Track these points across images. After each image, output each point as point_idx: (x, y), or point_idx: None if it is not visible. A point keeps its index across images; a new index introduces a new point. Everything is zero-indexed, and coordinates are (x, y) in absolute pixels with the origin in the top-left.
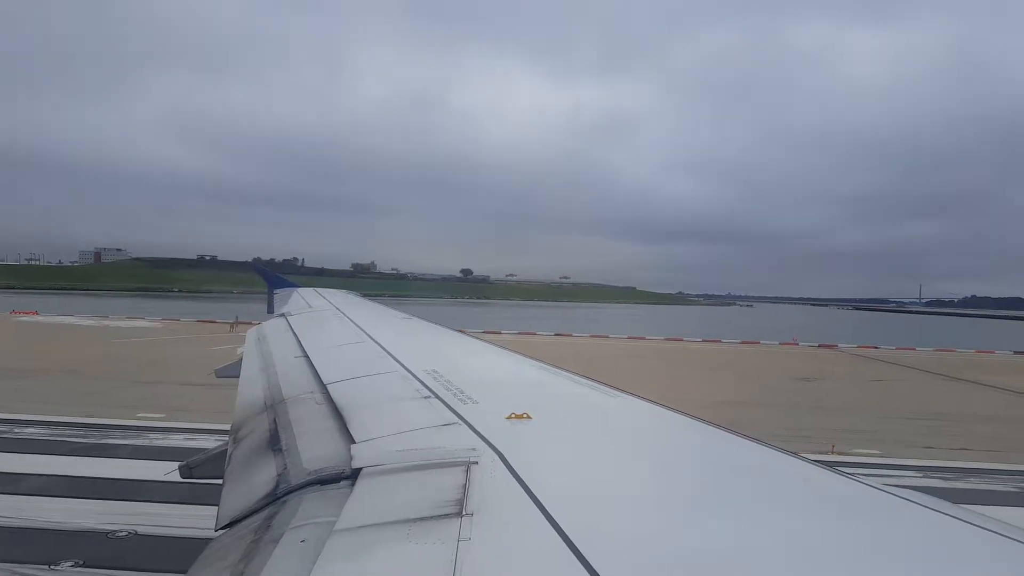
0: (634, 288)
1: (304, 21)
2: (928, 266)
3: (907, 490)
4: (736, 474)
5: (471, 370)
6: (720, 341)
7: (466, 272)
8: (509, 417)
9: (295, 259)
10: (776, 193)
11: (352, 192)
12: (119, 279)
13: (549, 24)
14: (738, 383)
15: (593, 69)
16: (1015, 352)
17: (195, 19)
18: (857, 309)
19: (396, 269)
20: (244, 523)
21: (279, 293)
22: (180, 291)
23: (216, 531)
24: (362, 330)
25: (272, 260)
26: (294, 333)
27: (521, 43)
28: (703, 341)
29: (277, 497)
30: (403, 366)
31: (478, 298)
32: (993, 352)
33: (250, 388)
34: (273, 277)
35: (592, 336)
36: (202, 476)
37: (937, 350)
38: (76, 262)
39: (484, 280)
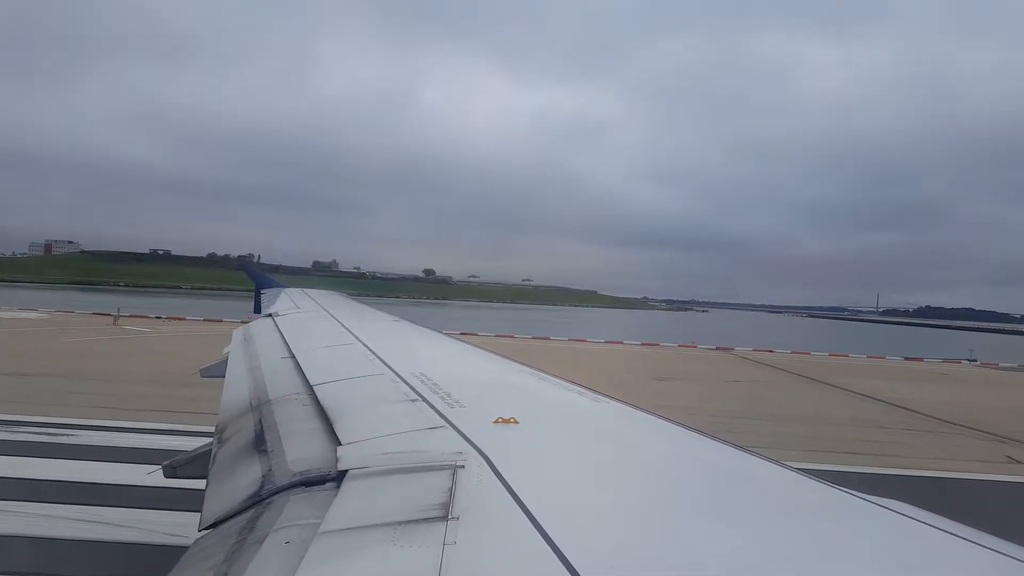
0: (595, 292)
1: (266, 13)
2: (888, 277)
3: (893, 501)
4: (720, 480)
5: (459, 374)
6: (622, 343)
7: (428, 272)
8: (496, 421)
9: (251, 255)
10: (743, 201)
11: (315, 189)
12: (64, 272)
13: (516, 27)
14: (588, 381)
15: (560, 74)
16: (906, 358)
17: (151, 5)
18: (811, 316)
19: (358, 268)
20: (228, 524)
21: (266, 293)
22: (125, 285)
23: (200, 531)
24: (350, 332)
25: (227, 256)
26: (281, 333)
27: (488, 44)
28: (606, 342)
29: (262, 498)
30: (391, 369)
31: (435, 298)
32: (884, 358)
33: (235, 388)
34: (261, 277)
35: (497, 335)
36: (186, 476)
37: (832, 355)
38: (26, 254)
39: (445, 281)
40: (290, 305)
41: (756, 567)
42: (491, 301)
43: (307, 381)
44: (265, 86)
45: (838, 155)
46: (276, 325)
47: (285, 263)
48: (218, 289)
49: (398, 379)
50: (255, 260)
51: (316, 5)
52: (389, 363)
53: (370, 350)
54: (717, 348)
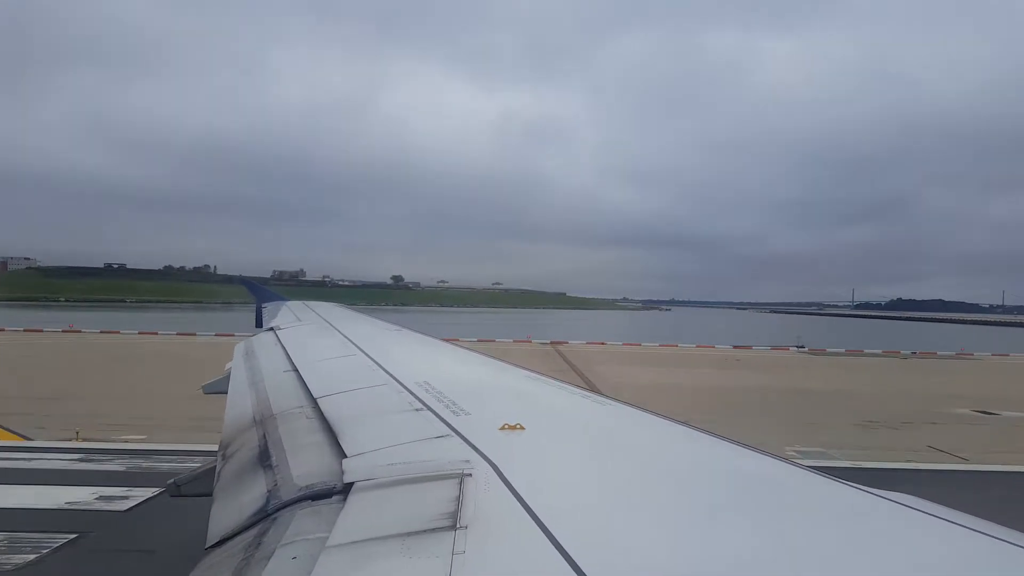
0: (564, 294)
1: (220, 22)
2: (864, 271)
3: (904, 495)
4: (730, 481)
5: (463, 381)
6: (493, 340)
7: (397, 279)
8: (502, 428)
9: (207, 266)
10: (723, 201)
11: (279, 199)
12: (7, 289)
13: (476, 31)
14: None
15: (524, 76)
16: (734, 347)
17: (104, 16)
18: (773, 312)
19: (328, 276)
20: (234, 540)
21: (268, 307)
22: (66, 300)
23: (206, 549)
24: (352, 343)
25: (183, 268)
26: (283, 347)
27: (451, 49)
28: (477, 340)
29: (268, 514)
30: (394, 378)
31: (397, 305)
32: (713, 347)
33: (239, 403)
34: (262, 291)
35: None
36: (191, 493)
37: (698, 346)
38: None
39: (411, 287)
40: (291, 318)
41: (770, 568)
42: (454, 305)
43: (310, 394)
44: (221, 95)
45: (815, 152)
46: (278, 338)
47: (245, 273)
48: (168, 302)
49: (402, 388)
50: (211, 270)
51: (274, 13)
52: (393, 373)
53: (373, 360)
54: (551, 343)
